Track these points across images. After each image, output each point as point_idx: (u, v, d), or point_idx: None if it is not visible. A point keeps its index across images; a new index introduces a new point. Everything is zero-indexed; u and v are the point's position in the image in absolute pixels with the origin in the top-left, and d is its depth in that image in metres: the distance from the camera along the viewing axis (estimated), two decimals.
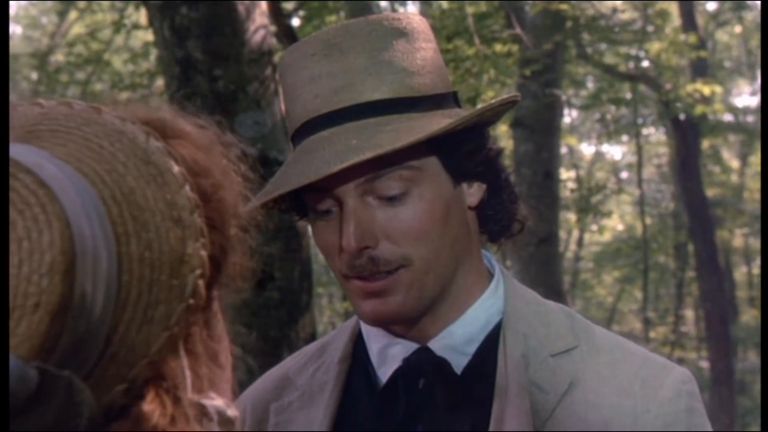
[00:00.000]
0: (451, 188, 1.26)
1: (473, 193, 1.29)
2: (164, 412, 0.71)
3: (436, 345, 1.29)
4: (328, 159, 1.18)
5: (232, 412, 0.78)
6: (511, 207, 1.32)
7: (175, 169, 0.75)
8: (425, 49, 1.29)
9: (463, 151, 1.26)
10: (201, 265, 0.74)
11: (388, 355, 1.32)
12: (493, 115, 1.30)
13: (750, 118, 17.11)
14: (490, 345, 1.29)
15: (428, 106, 1.25)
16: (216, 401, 0.77)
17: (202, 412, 0.75)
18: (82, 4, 10.65)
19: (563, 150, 16.13)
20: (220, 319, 0.81)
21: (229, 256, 0.79)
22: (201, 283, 0.74)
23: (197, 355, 0.77)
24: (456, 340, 1.29)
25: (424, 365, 1.28)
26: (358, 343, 1.37)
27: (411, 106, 1.24)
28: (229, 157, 0.82)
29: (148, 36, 8.78)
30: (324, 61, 1.25)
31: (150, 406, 0.71)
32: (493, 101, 1.27)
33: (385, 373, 1.32)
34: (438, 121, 1.22)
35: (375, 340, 1.33)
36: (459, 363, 1.28)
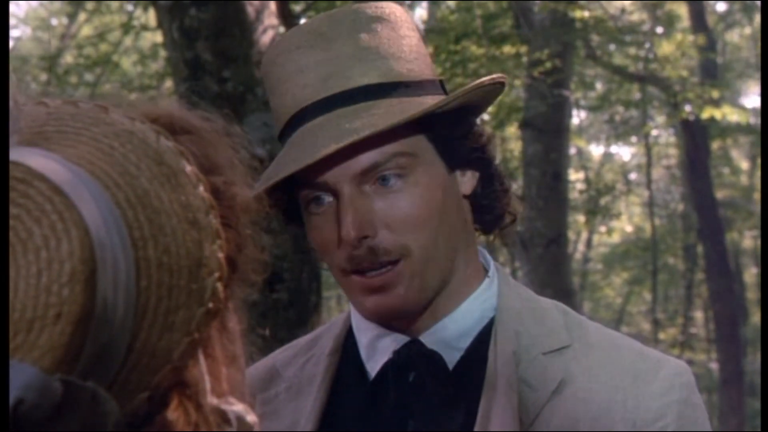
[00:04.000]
0: (445, 175, 1.26)
1: (467, 181, 1.29)
2: (188, 419, 0.71)
3: (428, 339, 1.27)
4: (323, 144, 1.18)
5: (251, 417, 0.77)
6: (503, 196, 1.32)
7: (188, 168, 0.73)
8: (410, 36, 1.29)
9: (455, 135, 1.26)
10: (219, 267, 0.72)
11: (377, 347, 1.30)
12: (482, 98, 1.29)
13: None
14: (483, 341, 1.28)
15: (417, 91, 1.25)
16: (235, 406, 0.75)
17: (223, 417, 0.74)
18: (90, 6, 10.67)
19: (572, 151, 16.08)
20: (234, 317, 0.80)
21: (243, 253, 0.78)
22: (219, 286, 0.72)
23: (215, 358, 0.75)
24: (449, 334, 1.28)
25: (415, 358, 1.27)
26: (348, 336, 1.36)
27: (400, 90, 1.24)
28: (236, 149, 0.81)
29: (157, 37, 8.79)
30: (310, 51, 1.25)
31: (174, 413, 0.70)
32: (482, 79, 1.26)
33: (373, 366, 1.30)
34: (429, 103, 1.22)
35: (364, 332, 1.32)
36: (451, 358, 1.27)
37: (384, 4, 1.31)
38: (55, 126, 0.73)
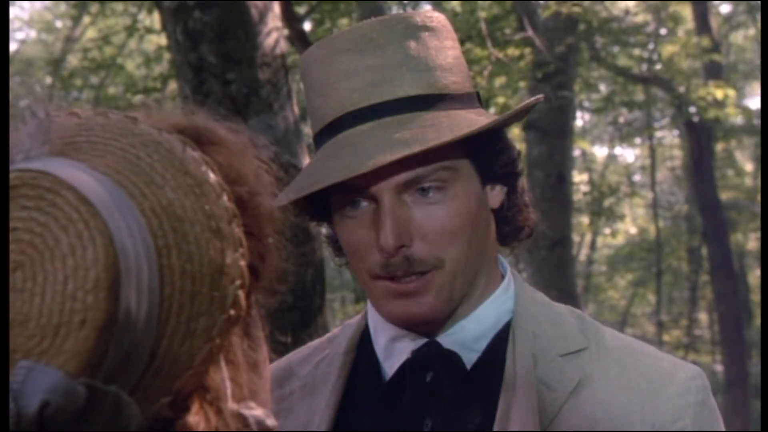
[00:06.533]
0: (479, 189, 1.28)
1: (495, 195, 1.31)
2: (208, 423, 0.72)
3: (446, 340, 1.29)
4: (372, 152, 1.19)
5: (271, 421, 0.78)
6: (525, 211, 1.34)
7: (212, 178, 0.75)
8: (453, 48, 1.32)
9: (492, 151, 1.28)
10: (241, 275, 0.74)
11: (394, 348, 1.32)
12: (518, 116, 1.33)
13: None
14: (500, 343, 1.29)
15: (461, 104, 1.28)
16: (255, 411, 0.77)
17: (243, 422, 0.75)
18: (95, 8, 10.69)
19: (576, 153, 16.08)
20: (259, 326, 0.81)
21: (266, 262, 0.79)
22: (241, 293, 0.74)
23: (237, 364, 0.77)
24: (466, 336, 1.29)
25: (432, 358, 1.28)
26: (364, 337, 1.37)
27: (446, 102, 1.26)
28: (262, 160, 0.82)
29: (162, 40, 8.80)
30: (359, 55, 1.26)
31: (194, 418, 0.71)
32: (529, 101, 1.30)
33: (391, 366, 1.32)
34: (474, 119, 1.25)
35: (382, 333, 1.33)
36: (468, 359, 1.29)
37: (432, 13, 1.33)
38: (85, 136, 0.75)
